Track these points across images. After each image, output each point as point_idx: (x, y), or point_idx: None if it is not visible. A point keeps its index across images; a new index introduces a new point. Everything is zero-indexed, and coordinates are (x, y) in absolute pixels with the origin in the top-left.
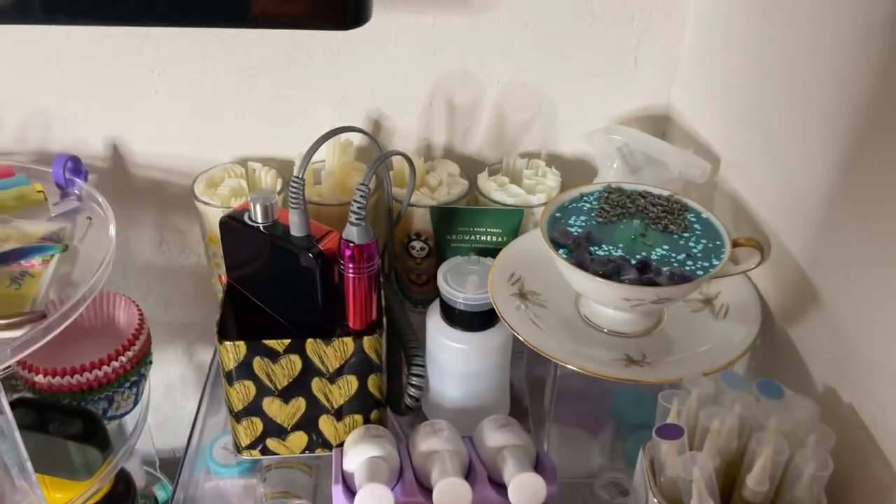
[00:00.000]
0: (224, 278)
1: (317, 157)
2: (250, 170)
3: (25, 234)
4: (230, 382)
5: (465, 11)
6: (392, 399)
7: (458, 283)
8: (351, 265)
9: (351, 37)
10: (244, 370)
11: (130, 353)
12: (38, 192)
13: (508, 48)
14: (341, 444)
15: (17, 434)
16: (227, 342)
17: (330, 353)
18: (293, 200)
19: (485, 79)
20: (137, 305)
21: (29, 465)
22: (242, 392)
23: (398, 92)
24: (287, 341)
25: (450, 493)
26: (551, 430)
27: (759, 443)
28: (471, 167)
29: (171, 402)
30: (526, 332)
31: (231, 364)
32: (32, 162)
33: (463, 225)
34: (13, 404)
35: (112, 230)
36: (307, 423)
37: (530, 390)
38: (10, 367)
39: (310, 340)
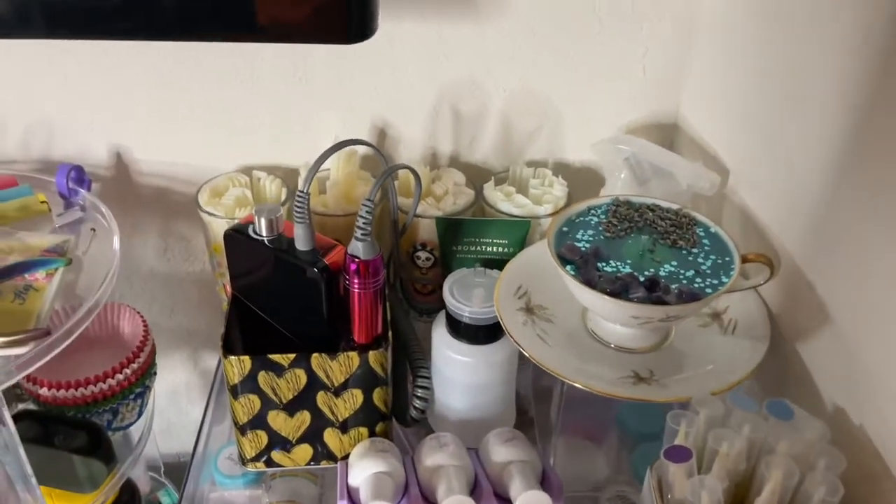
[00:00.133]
0: (228, 288)
1: (321, 166)
2: (255, 178)
3: (29, 246)
4: (235, 396)
5: (472, 19)
6: (397, 410)
7: (464, 296)
8: (356, 280)
9: (356, 45)
10: (249, 384)
11: (135, 366)
12: (42, 202)
13: (515, 56)
14: (346, 457)
15: (21, 447)
16: (232, 356)
17: (335, 367)
18: (298, 214)
19: (491, 87)
20: (142, 316)
21: (33, 478)
22: (247, 405)
23: (403, 100)
24: (292, 356)
25: None
26: (557, 444)
27: (769, 467)
28: (477, 176)
29: (176, 407)
30: (533, 349)
31: (236, 378)
32: (35, 170)
33: (469, 236)
34: (18, 416)
35: (116, 242)
36: (312, 436)
37: (536, 399)
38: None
39: (315, 355)
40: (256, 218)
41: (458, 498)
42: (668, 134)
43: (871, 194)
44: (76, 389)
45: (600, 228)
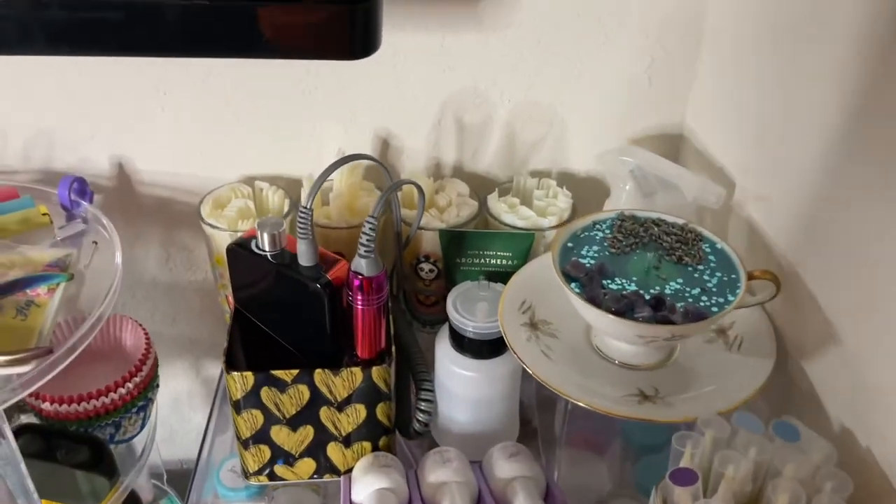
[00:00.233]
0: (231, 299)
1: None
2: (257, 189)
3: (30, 260)
4: (238, 411)
5: (476, 29)
6: (401, 423)
7: (468, 310)
8: (360, 296)
9: None
10: (252, 399)
11: (137, 379)
12: (44, 214)
13: (519, 66)
14: (350, 471)
15: (22, 462)
16: (235, 372)
17: (338, 382)
18: (301, 230)
19: (495, 97)
20: (144, 329)
21: (35, 493)
22: (250, 420)
23: (407, 110)
24: (295, 372)
25: None
26: (561, 457)
27: (775, 490)
28: (480, 186)
29: (179, 415)
30: (537, 366)
31: (238, 394)
32: (37, 181)
33: (472, 248)
34: (20, 430)
35: (118, 257)
36: (315, 450)
37: (539, 408)
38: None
39: (318, 371)
40: (259, 233)
41: None
42: (673, 144)
43: (880, 211)
44: (78, 404)
45: (605, 244)
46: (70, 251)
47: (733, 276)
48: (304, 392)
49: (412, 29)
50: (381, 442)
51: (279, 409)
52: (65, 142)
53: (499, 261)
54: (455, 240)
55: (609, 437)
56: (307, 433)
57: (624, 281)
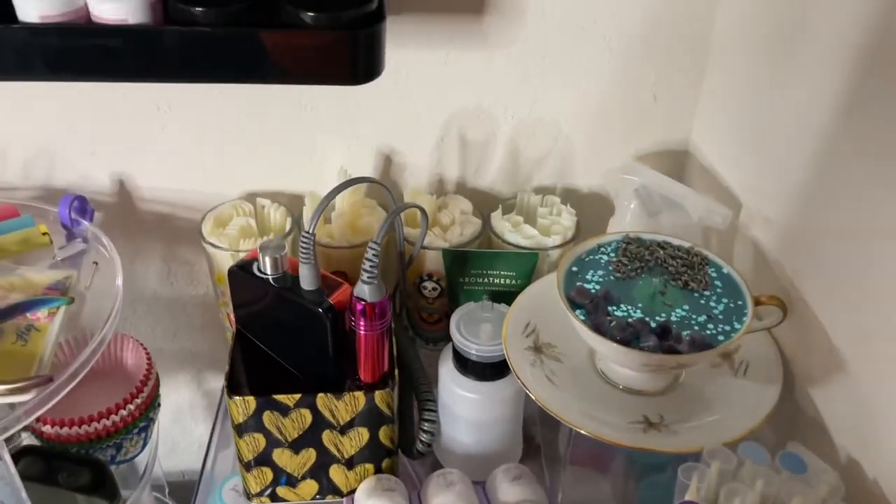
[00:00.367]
0: (232, 317)
1: (326, 192)
2: (259, 206)
3: (31, 283)
4: (240, 434)
5: (480, 46)
6: (404, 443)
7: (472, 332)
8: (362, 321)
9: None
10: (254, 423)
11: (139, 401)
12: (44, 234)
13: (524, 83)
14: (353, 492)
15: (23, 490)
16: (237, 397)
17: (341, 406)
18: (304, 254)
19: (499, 114)
20: (145, 348)
21: None
22: (252, 444)
23: (410, 127)
24: (297, 396)
25: None
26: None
27: None
28: (484, 202)
29: (181, 427)
30: (541, 392)
31: (241, 418)
32: (37, 198)
33: (476, 268)
34: (21, 452)
35: (119, 280)
36: (318, 472)
37: (542, 423)
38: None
39: (320, 395)
40: (261, 256)
41: None
42: (679, 161)
43: (889, 239)
44: (80, 427)
45: (610, 268)
46: (70, 273)
47: (739, 302)
48: (307, 416)
49: (415, 45)
50: (384, 464)
51: (281, 433)
52: (65, 159)
53: (502, 280)
54: (458, 259)
55: (613, 455)
56: (309, 456)
57: (629, 307)
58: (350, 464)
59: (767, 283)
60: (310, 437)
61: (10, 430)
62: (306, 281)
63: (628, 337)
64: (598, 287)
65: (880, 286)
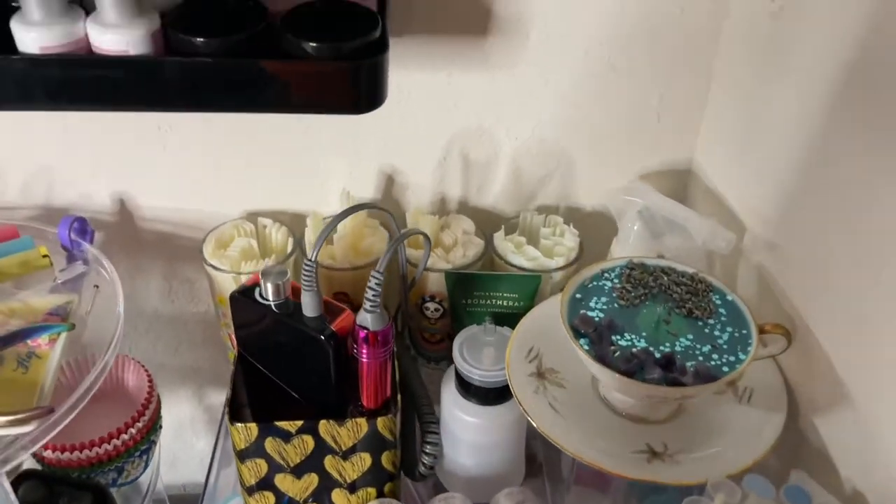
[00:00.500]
0: (233, 336)
1: (328, 211)
2: (260, 226)
3: (31, 308)
4: (242, 459)
5: (482, 67)
6: (406, 464)
7: (474, 357)
8: (365, 349)
9: None
10: (256, 449)
11: (140, 424)
12: (44, 256)
13: (527, 104)
14: None
15: None
16: (239, 423)
17: (343, 433)
18: (306, 282)
19: (501, 134)
20: (146, 370)
21: None
22: (254, 469)
23: (412, 147)
24: (299, 423)
25: None
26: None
27: None
28: (486, 221)
29: (182, 441)
30: (544, 420)
31: (243, 444)
32: (37, 217)
33: (479, 290)
34: (22, 477)
35: (121, 305)
36: (320, 496)
37: (545, 443)
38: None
39: (323, 421)
40: (263, 282)
41: None
42: (682, 180)
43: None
44: (81, 451)
45: (614, 295)
46: (71, 297)
47: (744, 331)
48: (309, 442)
49: (418, 67)
50: (387, 488)
51: (283, 458)
52: (65, 178)
53: (505, 302)
54: (461, 282)
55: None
56: (312, 480)
57: (633, 336)
58: (352, 488)
59: (771, 308)
60: (312, 463)
61: (11, 462)
62: (308, 308)
63: (632, 368)
64: (601, 315)
65: (886, 315)
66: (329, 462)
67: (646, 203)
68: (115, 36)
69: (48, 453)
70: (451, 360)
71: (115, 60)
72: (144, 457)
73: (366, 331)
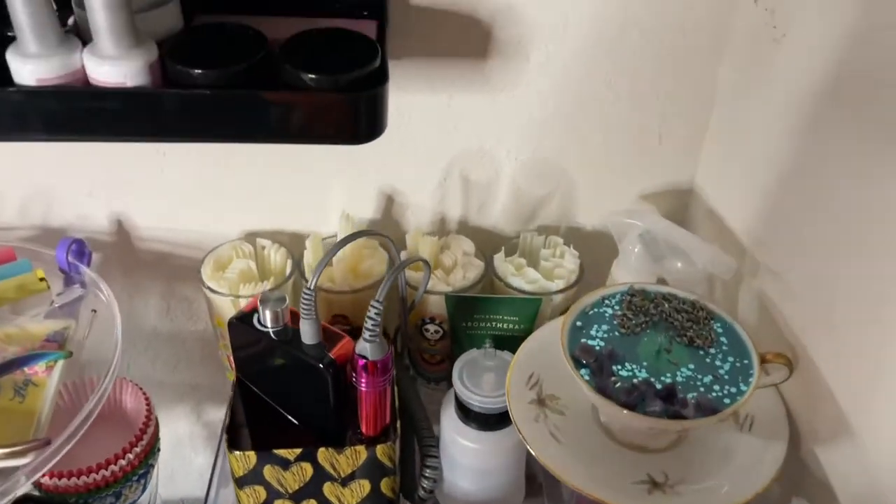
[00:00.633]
0: (232, 358)
1: (327, 231)
2: (259, 247)
3: (29, 334)
4: (240, 486)
5: (483, 89)
6: (406, 488)
7: (474, 382)
8: (364, 378)
9: None
10: (254, 476)
11: (138, 449)
12: (41, 279)
13: (528, 125)
14: None
15: None
16: (237, 452)
17: (342, 460)
18: (305, 310)
19: (502, 155)
20: (145, 393)
21: None
22: (253, 496)
23: (412, 168)
24: (298, 450)
25: None
26: None
27: None
28: (486, 241)
29: (180, 457)
30: (544, 452)
31: (241, 471)
32: (34, 238)
33: (479, 313)
34: (19, 502)
35: (118, 332)
36: None
37: None
38: None
39: (321, 449)
40: (261, 308)
41: None
42: (683, 201)
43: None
44: (78, 478)
45: (615, 323)
46: (68, 323)
47: (745, 361)
48: (308, 469)
49: (417, 89)
50: None
51: (282, 485)
52: (63, 199)
53: (505, 325)
54: (461, 304)
55: None
56: None
57: (634, 367)
58: None
59: (773, 336)
60: (311, 489)
61: (10, 496)
62: (307, 335)
63: (633, 401)
64: (602, 344)
65: (889, 345)
66: (328, 489)
67: (647, 226)
68: (113, 68)
69: (46, 479)
70: (450, 381)
71: (112, 92)
72: (142, 481)
73: (365, 360)
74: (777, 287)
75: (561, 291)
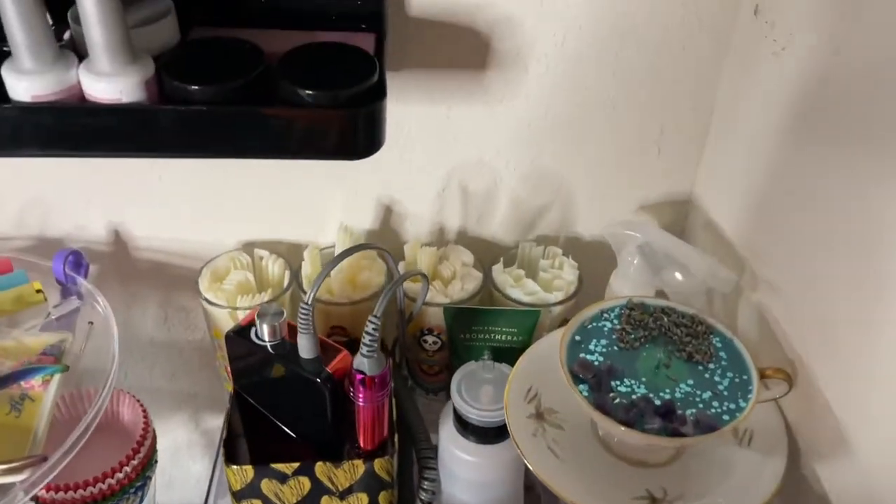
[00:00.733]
0: (229, 369)
1: (326, 242)
2: (257, 258)
3: (26, 348)
4: (238, 500)
5: (482, 101)
6: (404, 500)
7: (473, 395)
8: (362, 393)
9: None
10: (252, 490)
11: (135, 462)
12: (38, 291)
13: (526, 136)
14: None
15: None
16: (235, 466)
17: (340, 474)
18: (302, 324)
19: (501, 166)
20: (142, 405)
21: None
22: None
23: (411, 179)
24: (296, 464)
25: None
26: None
27: None
28: (485, 251)
29: (178, 466)
30: (542, 467)
31: (238, 485)
32: (31, 248)
33: (478, 325)
34: None
35: (115, 345)
36: None
37: None
38: None
39: (319, 463)
40: (258, 322)
41: None
42: (682, 212)
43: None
44: (75, 491)
45: (614, 337)
46: (65, 336)
47: (745, 377)
48: (306, 483)
49: (416, 101)
50: None
51: (280, 499)
52: (60, 209)
53: (504, 337)
54: (460, 316)
55: None
56: None
57: (633, 382)
58: None
59: (772, 350)
60: (309, 503)
61: None
62: (305, 350)
63: (632, 418)
64: (601, 359)
65: (889, 361)
66: (326, 502)
67: (645, 238)
68: (108, 84)
69: (43, 493)
70: (449, 392)
71: (108, 109)
72: (140, 493)
73: (363, 375)
74: (776, 300)
75: (560, 303)
